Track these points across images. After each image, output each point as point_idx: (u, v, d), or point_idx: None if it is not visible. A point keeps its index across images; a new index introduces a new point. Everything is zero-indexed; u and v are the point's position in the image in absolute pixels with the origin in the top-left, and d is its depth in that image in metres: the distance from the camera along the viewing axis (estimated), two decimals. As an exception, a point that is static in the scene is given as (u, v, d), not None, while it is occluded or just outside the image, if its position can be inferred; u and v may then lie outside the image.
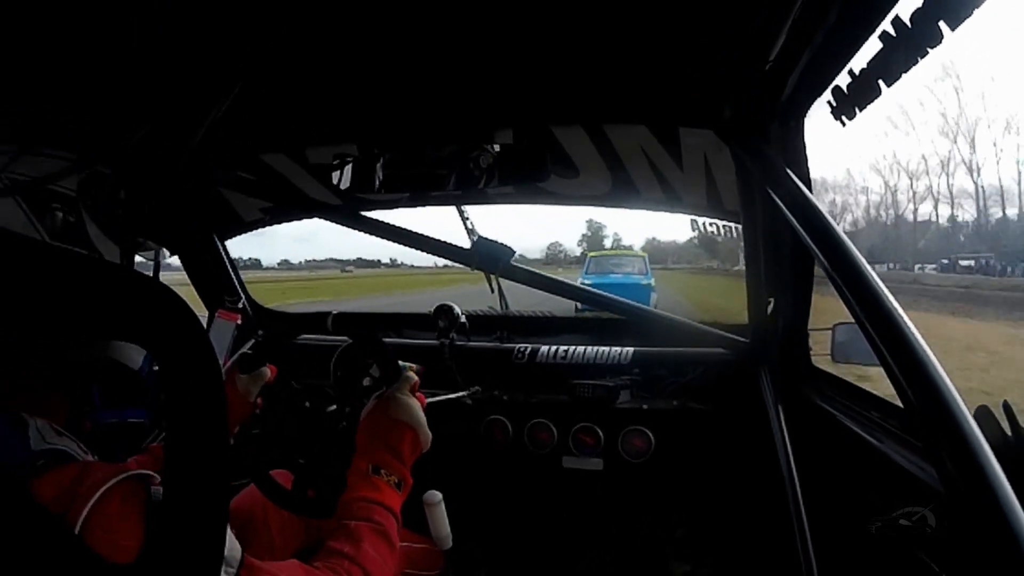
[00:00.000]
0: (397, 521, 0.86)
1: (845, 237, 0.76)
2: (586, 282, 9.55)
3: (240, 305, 1.91)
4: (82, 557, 0.51)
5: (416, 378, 1.03)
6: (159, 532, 0.54)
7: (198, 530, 0.53)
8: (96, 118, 1.06)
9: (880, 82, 0.77)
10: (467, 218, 1.65)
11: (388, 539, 0.82)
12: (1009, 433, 0.71)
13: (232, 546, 0.62)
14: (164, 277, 1.44)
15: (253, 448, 1.05)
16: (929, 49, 0.67)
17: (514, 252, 1.61)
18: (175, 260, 1.84)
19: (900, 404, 0.59)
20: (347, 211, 1.66)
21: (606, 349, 1.69)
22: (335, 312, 1.92)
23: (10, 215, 0.69)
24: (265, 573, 0.65)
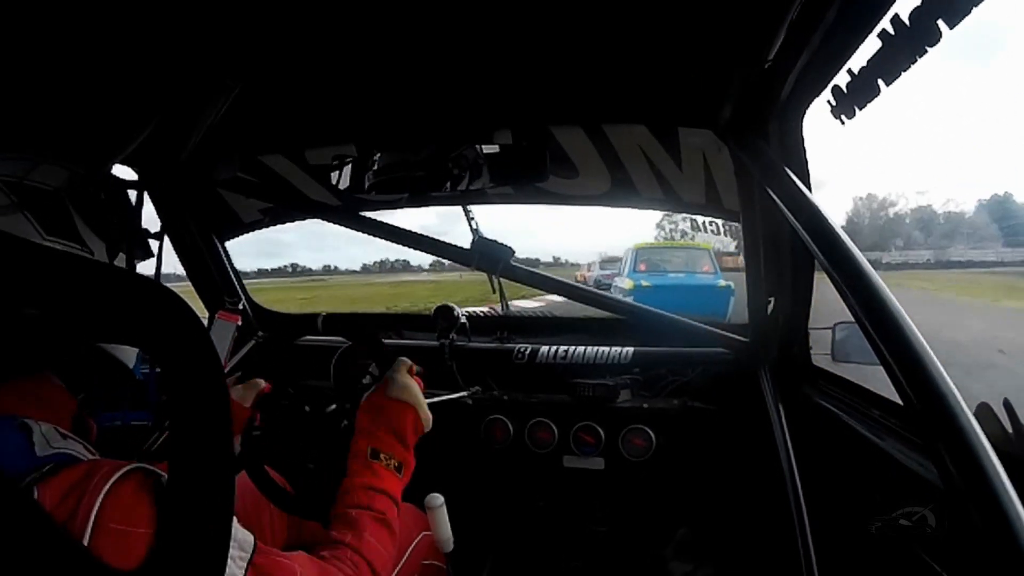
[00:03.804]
0: (397, 507, 0.86)
1: (845, 235, 0.76)
2: (645, 284, 7.69)
3: (240, 306, 1.90)
4: (91, 556, 0.51)
5: (410, 362, 1.04)
6: (169, 522, 0.55)
7: (205, 524, 0.54)
8: (95, 120, 1.05)
9: (880, 81, 0.77)
10: (472, 218, 1.65)
11: (389, 527, 0.82)
12: (1010, 430, 0.71)
13: (245, 535, 0.62)
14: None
15: (259, 456, 1.04)
16: (928, 48, 0.67)
17: (513, 252, 1.61)
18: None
19: (900, 402, 0.59)
20: (346, 212, 1.66)
21: (606, 349, 1.69)
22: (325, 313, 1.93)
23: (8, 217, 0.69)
24: (277, 558, 0.65)
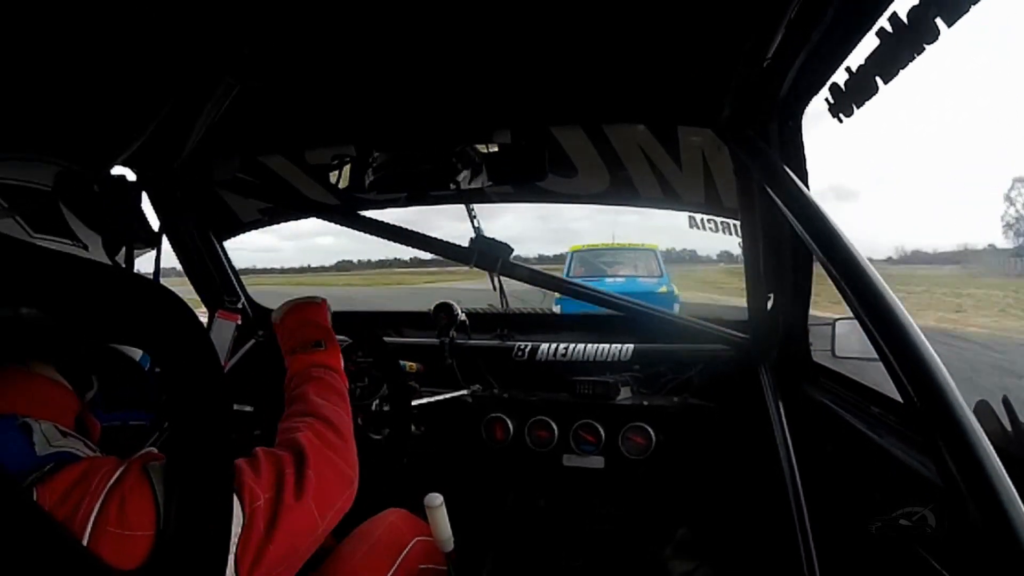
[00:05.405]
0: (333, 371, 0.93)
1: (843, 233, 0.76)
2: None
3: (240, 305, 1.90)
4: (91, 555, 0.52)
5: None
6: (169, 524, 0.55)
7: (205, 524, 0.55)
8: (96, 120, 1.05)
9: (877, 79, 0.77)
10: (475, 216, 1.66)
11: (326, 382, 0.89)
12: (1009, 428, 0.71)
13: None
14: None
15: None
16: (926, 45, 0.67)
17: (512, 249, 1.61)
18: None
19: (900, 399, 0.59)
20: (345, 211, 1.66)
21: (606, 346, 1.69)
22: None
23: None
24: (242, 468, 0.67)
